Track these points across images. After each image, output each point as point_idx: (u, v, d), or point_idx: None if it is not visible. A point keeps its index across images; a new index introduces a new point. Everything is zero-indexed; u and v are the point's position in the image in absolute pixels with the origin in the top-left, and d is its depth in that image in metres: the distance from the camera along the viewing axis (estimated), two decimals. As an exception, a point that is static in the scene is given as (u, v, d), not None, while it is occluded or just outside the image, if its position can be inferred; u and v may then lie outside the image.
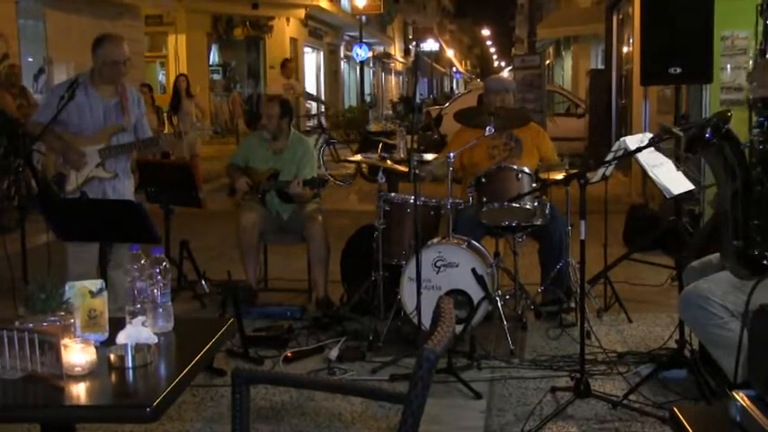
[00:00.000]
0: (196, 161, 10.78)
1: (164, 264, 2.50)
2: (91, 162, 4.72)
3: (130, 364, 2.17)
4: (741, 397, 1.55)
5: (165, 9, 20.16)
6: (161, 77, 22.32)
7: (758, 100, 2.26)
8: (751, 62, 6.83)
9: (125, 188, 4.89)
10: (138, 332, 2.28)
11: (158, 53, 21.85)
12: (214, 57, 24.04)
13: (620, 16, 13.91)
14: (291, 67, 13.71)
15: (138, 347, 2.20)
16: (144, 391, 2.13)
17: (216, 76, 23.81)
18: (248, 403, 2.39)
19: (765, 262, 2.24)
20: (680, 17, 5.70)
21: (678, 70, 5.72)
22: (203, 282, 5.87)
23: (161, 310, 2.48)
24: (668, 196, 4.45)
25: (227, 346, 4.57)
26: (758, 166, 2.27)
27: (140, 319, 2.35)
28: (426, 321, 4.04)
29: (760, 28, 5.26)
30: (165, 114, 11.66)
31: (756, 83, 2.22)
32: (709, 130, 2.34)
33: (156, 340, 2.31)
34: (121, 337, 2.26)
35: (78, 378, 2.10)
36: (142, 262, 2.46)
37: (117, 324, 2.38)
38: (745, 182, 2.30)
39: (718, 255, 3.42)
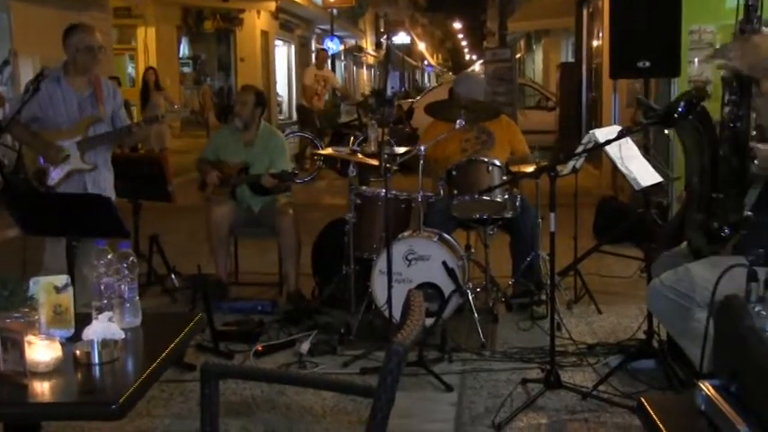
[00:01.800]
0: (165, 154, 10.68)
1: (131, 259, 2.47)
2: (71, 156, 4.66)
3: (96, 361, 2.14)
4: (706, 386, 1.57)
5: (134, 1, 19.96)
6: (130, 70, 22.09)
7: (732, 78, 2.26)
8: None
9: (105, 181, 4.84)
10: (104, 328, 2.26)
11: (127, 46, 21.61)
12: (184, 49, 23.85)
13: (590, 10, 13.98)
14: (323, 56, 13.85)
15: (105, 343, 2.18)
16: (110, 388, 2.10)
17: (186, 69, 23.64)
18: (218, 398, 2.37)
19: (723, 234, 2.26)
20: (648, 12, 5.75)
21: (646, 64, 5.77)
22: (173, 276, 5.83)
23: (128, 305, 2.45)
24: (637, 188, 4.49)
25: (197, 340, 4.53)
26: (726, 143, 2.28)
27: (107, 314, 2.32)
28: (398, 314, 4.03)
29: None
30: (133, 108, 11.54)
31: (734, 56, 2.23)
32: (683, 104, 2.36)
33: (123, 336, 2.28)
34: (88, 333, 2.23)
35: (43, 375, 2.07)
36: (109, 257, 2.43)
37: (83, 320, 2.35)
38: (713, 158, 2.32)
39: (685, 246, 3.45)
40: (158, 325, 2.59)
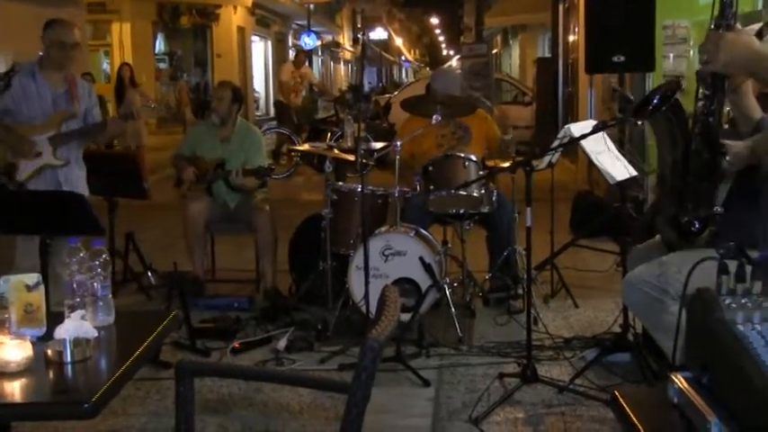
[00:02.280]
0: (142, 151, 10.62)
1: (104, 256, 2.45)
2: (44, 151, 4.61)
3: (69, 359, 2.12)
4: (678, 379, 1.58)
5: (109, -4, 19.81)
6: (105, 66, 21.90)
7: (708, 73, 2.27)
8: (692, 51, 6.94)
9: (77, 178, 4.79)
10: (77, 326, 2.23)
11: (102, 42, 21.43)
12: (160, 45, 23.68)
13: (566, 5, 14.03)
14: (302, 58, 13.97)
15: (77, 342, 2.15)
16: (83, 387, 2.08)
17: (162, 65, 23.46)
18: (193, 396, 2.36)
19: (693, 228, 2.28)
20: (623, 7, 5.79)
21: (621, 59, 5.81)
22: (149, 274, 5.79)
23: (101, 303, 2.43)
24: (612, 182, 4.51)
25: (173, 338, 4.52)
26: (698, 137, 2.29)
27: (80, 312, 2.30)
28: (375, 310, 4.03)
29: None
30: (108, 104, 11.43)
31: (708, 54, 2.23)
32: (657, 96, 2.37)
33: (96, 334, 2.26)
34: (60, 332, 2.21)
35: (13, 375, 2.04)
36: (81, 255, 2.40)
37: (56, 318, 2.32)
38: (685, 151, 2.34)
39: (659, 239, 3.47)
40: (132, 323, 2.57)
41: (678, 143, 2.35)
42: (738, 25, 2.48)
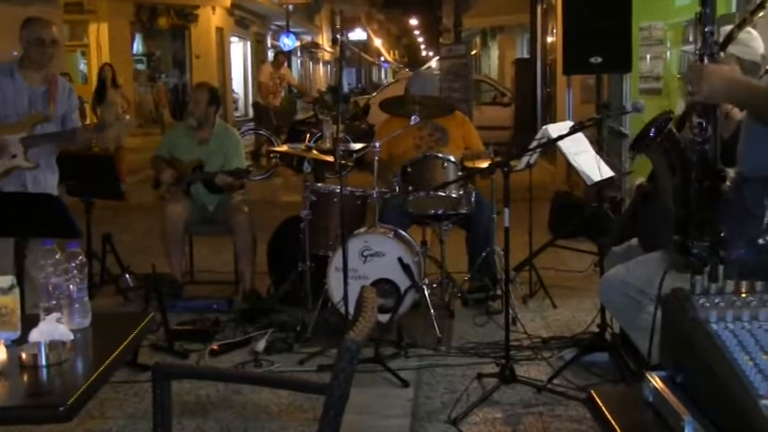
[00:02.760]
0: (121, 153, 10.55)
1: (80, 258, 2.43)
2: (14, 151, 4.54)
3: (44, 363, 2.10)
4: (654, 378, 1.59)
5: (86, -4, 19.67)
6: (82, 67, 21.75)
7: (697, 102, 2.31)
8: (668, 53, 7.00)
9: (47, 182, 4.71)
10: (52, 329, 2.22)
11: (79, 42, 21.28)
12: (138, 46, 23.55)
13: (544, 6, 14.10)
14: (281, 60, 13.92)
15: (53, 345, 2.14)
16: (58, 390, 2.06)
17: (140, 66, 23.33)
18: (170, 398, 2.34)
19: (703, 255, 2.30)
20: (600, 9, 5.82)
21: (599, 60, 5.83)
22: (127, 276, 5.75)
23: (77, 305, 2.41)
24: (589, 183, 4.54)
25: (151, 340, 4.50)
26: (698, 164, 2.32)
27: (55, 315, 2.28)
28: (353, 311, 4.03)
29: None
30: (86, 105, 11.33)
31: (691, 86, 2.27)
32: (653, 129, 2.40)
33: (72, 337, 2.24)
34: (35, 335, 2.19)
35: (-13, 379, 2.03)
36: (57, 257, 2.38)
37: (31, 321, 2.30)
38: (684, 179, 2.36)
39: (637, 240, 3.51)
40: (109, 325, 2.55)
41: (676, 171, 2.38)
42: (722, 54, 2.51)
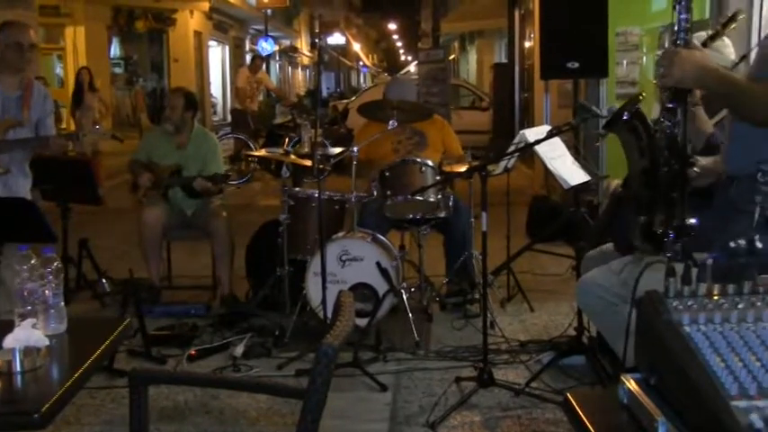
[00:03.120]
0: (98, 157, 10.48)
1: (55, 263, 2.41)
2: None
3: (18, 369, 2.08)
4: (628, 380, 1.60)
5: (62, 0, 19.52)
6: (58, 71, 21.59)
7: (666, 87, 2.34)
8: (644, 58, 7.06)
9: (18, 186, 4.67)
10: (27, 335, 2.20)
11: (55, 45, 21.12)
12: (115, 50, 23.42)
13: (522, 12, 14.17)
14: (258, 63, 13.87)
15: (28, 351, 2.12)
16: (32, 397, 2.04)
17: (117, 70, 23.20)
18: (146, 404, 2.33)
19: (667, 238, 2.32)
20: (576, 14, 5.86)
21: (576, 65, 5.88)
22: (104, 281, 5.72)
23: (53, 311, 2.39)
24: (566, 187, 4.56)
25: (128, 346, 4.47)
26: (667, 148, 2.35)
27: (30, 321, 2.26)
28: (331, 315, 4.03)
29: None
30: (62, 109, 11.25)
31: (662, 71, 2.30)
32: (626, 112, 2.43)
33: (48, 343, 2.22)
34: (9, 341, 2.17)
35: (-40, 386, 2.01)
36: (32, 262, 2.37)
37: (5, 327, 2.28)
38: (653, 160, 2.38)
39: (612, 244, 3.53)
40: (85, 331, 2.53)
41: (645, 153, 2.40)
42: (695, 41, 2.54)
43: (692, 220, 2.31)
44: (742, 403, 1.29)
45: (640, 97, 2.58)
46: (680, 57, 2.31)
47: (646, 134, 2.42)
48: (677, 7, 2.36)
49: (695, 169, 2.47)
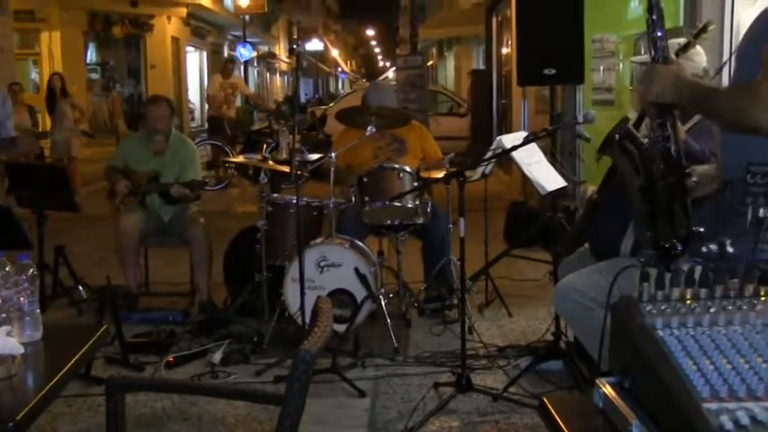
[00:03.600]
0: (74, 164, 10.42)
1: (31, 270, 2.40)
2: None
3: (-7, 377, 2.07)
4: (603, 384, 1.62)
5: (37, 4, 19.37)
6: (34, 76, 21.43)
7: (650, 104, 2.38)
8: (620, 65, 7.13)
9: None
10: (2, 343, 2.18)
11: (30, 50, 20.97)
12: (92, 55, 23.28)
13: (499, 18, 14.25)
14: (229, 67, 13.72)
15: (2, 359, 2.11)
16: (7, 405, 2.02)
17: (94, 76, 23.06)
18: (123, 411, 2.32)
19: (676, 251, 2.35)
20: (553, 21, 5.91)
21: (552, 72, 5.92)
22: (80, 288, 5.68)
23: (28, 318, 2.37)
24: (543, 193, 4.60)
25: (105, 353, 4.45)
26: (662, 163, 2.38)
27: (5, 329, 2.24)
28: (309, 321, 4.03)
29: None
30: (38, 114, 11.16)
31: (644, 88, 2.34)
32: (617, 134, 2.47)
33: (23, 350, 2.21)
34: (-17, 349, 2.16)
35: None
36: (7, 269, 2.35)
37: (-20, 335, 2.26)
38: (649, 178, 2.41)
39: (588, 249, 3.56)
40: (61, 338, 2.52)
41: (640, 170, 2.43)
42: (673, 56, 2.58)
43: (700, 229, 2.33)
44: (713, 405, 1.31)
45: (627, 118, 2.62)
46: (658, 72, 2.35)
47: (638, 153, 2.45)
48: (651, 24, 2.40)
49: (693, 179, 2.50)
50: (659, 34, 2.40)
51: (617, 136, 2.48)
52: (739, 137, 2.26)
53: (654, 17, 2.40)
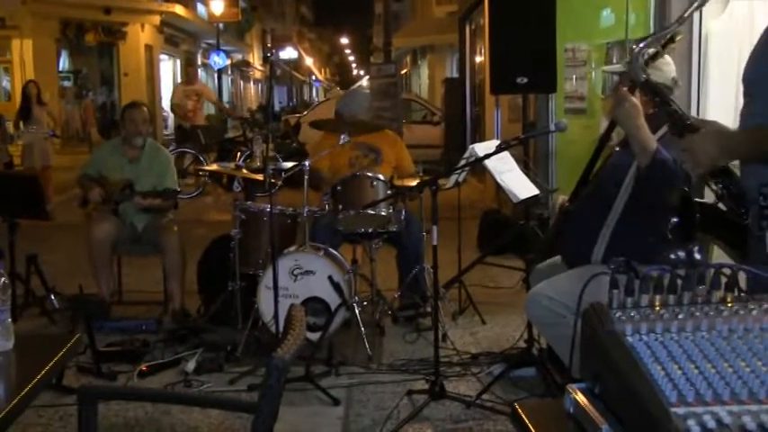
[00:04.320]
0: (48, 172, 10.33)
1: (2, 279, 2.38)
2: None
3: (-36, 387, 2.05)
4: (574, 390, 1.64)
5: (9, 12, 19.19)
6: (5, 84, 21.22)
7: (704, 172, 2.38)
8: (592, 74, 7.20)
9: None
10: (-27, 352, 2.17)
11: (2, 58, 20.78)
12: (64, 63, 23.08)
13: (473, 27, 14.34)
14: (192, 72, 13.51)
15: (-27, 369, 2.09)
16: (-22, 415, 2.01)
17: (66, 83, 22.87)
18: (96, 421, 2.31)
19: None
20: (525, 30, 5.95)
21: (525, 80, 5.95)
22: (52, 297, 5.63)
23: (-1, 328, 2.36)
24: (515, 201, 4.63)
25: (78, 362, 4.41)
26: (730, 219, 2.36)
27: (-24, 338, 2.23)
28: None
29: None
30: (8, 123, 11.02)
31: (692, 160, 2.30)
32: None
33: (-6, 360, 2.19)
34: (-46, 359, 2.14)
35: None
36: (-23, 278, 2.33)
37: (-50, 345, 2.24)
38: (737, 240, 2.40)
39: (560, 257, 3.60)
40: (32, 348, 2.50)
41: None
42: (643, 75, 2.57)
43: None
44: (681, 410, 1.33)
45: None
46: (696, 144, 2.27)
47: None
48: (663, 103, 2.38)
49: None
50: (674, 107, 2.38)
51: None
52: (755, 164, 2.24)
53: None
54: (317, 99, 49.20)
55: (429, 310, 5.22)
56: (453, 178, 5.36)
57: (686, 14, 2.38)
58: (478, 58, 13.89)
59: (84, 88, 23.23)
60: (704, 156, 2.25)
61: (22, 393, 2.07)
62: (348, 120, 5.13)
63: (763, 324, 1.55)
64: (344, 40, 60.77)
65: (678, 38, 2.85)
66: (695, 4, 2.34)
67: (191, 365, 4.43)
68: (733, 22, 4.93)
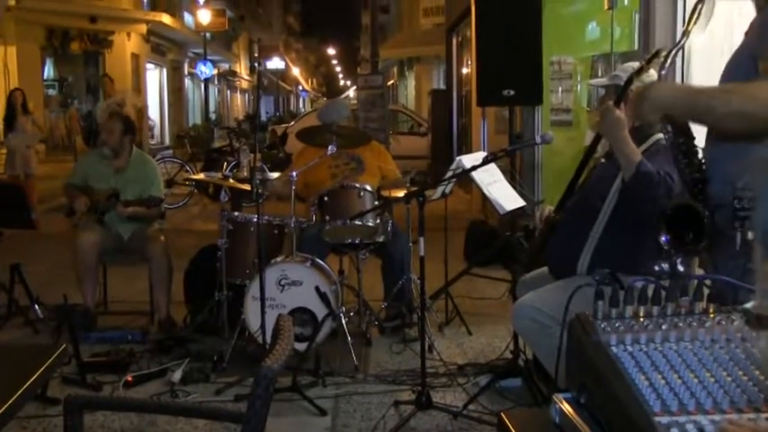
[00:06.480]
0: (31, 181, 10.28)
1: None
2: None
3: (-52, 398, 2.04)
4: (560, 400, 1.65)
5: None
6: (-11, 92, 21.09)
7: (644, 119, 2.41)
8: (579, 86, 7.25)
9: None
10: (-42, 362, 2.16)
11: (-16, 65, 20.65)
12: (49, 71, 22.98)
13: (460, 39, 14.40)
14: (106, 81, 13.32)
15: (-42, 379, 2.08)
16: (-38, 427, 2.01)
17: (51, 92, 22.76)
18: (81, 431, 2.31)
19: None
20: (512, 43, 6.00)
21: (511, 92, 6.01)
22: (37, 307, 5.60)
23: (-15, 337, 2.35)
24: (501, 212, 4.65)
25: (62, 373, 4.39)
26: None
27: (-38, 347, 2.23)
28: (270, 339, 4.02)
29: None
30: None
31: (636, 110, 2.34)
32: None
33: (-21, 370, 2.19)
34: (-61, 369, 2.13)
35: None
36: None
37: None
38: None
39: (546, 268, 3.62)
40: (16, 358, 2.50)
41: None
42: (622, 72, 2.60)
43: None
44: (664, 419, 1.35)
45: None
46: (647, 89, 2.32)
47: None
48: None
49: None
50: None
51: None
52: (727, 161, 2.29)
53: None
54: (303, 109, 49.26)
55: (415, 320, 5.23)
56: (440, 189, 5.39)
57: (690, 27, 2.45)
58: (465, 70, 13.95)
59: (70, 97, 23.13)
60: (647, 103, 2.28)
61: (7, 404, 2.06)
62: (335, 128, 5.13)
63: (744, 334, 1.58)
64: (331, 51, 60.90)
65: (662, 53, 2.88)
66: (695, 17, 2.41)
67: (177, 376, 4.42)
68: (714, 39, 4.99)
